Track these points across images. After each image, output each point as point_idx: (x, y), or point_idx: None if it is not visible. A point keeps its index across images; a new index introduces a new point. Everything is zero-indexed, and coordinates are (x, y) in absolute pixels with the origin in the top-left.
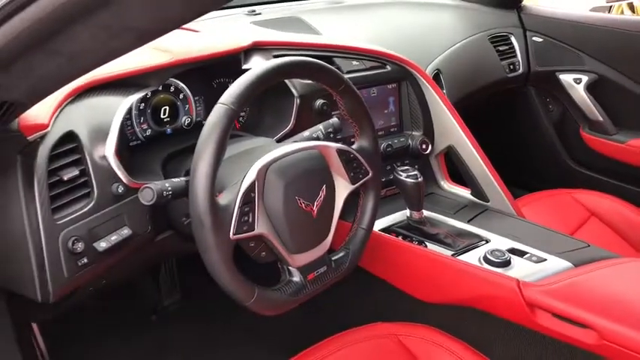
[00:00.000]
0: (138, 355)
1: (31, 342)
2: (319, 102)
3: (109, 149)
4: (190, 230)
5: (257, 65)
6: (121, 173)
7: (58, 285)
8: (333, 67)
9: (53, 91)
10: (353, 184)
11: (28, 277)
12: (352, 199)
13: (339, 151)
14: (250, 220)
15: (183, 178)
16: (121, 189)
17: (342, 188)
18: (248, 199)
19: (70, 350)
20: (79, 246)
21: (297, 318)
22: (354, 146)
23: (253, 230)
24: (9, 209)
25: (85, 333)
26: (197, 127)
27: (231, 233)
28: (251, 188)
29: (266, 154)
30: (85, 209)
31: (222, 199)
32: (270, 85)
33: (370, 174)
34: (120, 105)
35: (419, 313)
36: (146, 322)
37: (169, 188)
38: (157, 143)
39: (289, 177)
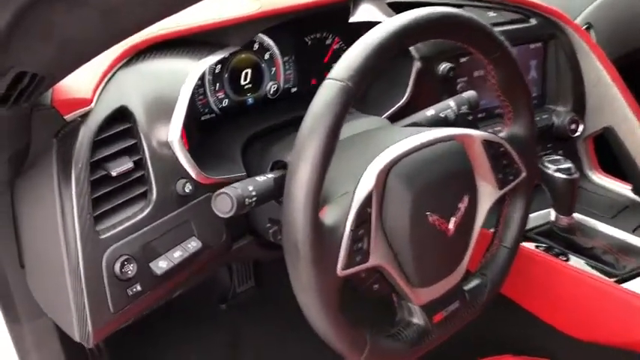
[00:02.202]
0: (207, 350)
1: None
2: (444, 66)
3: (174, 132)
4: (276, 237)
5: (384, 22)
6: (189, 166)
7: (101, 323)
8: (489, 25)
9: (88, 59)
10: (500, 188)
11: (63, 310)
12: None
13: (486, 143)
14: (364, 247)
15: (270, 175)
16: (188, 187)
17: (486, 195)
18: (363, 218)
19: (131, 342)
20: (131, 269)
21: None
22: (503, 134)
23: (367, 261)
24: (41, 215)
25: (148, 322)
26: (284, 96)
27: (339, 267)
28: (367, 202)
29: (385, 148)
30: (140, 216)
31: (328, 218)
32: (401, 52)
33: (523, 174)
34: (191, 71)
35: (564, 351)
36: (216, 311)
37: (253, 193)
38: (234, 119)
39: (420, 184)
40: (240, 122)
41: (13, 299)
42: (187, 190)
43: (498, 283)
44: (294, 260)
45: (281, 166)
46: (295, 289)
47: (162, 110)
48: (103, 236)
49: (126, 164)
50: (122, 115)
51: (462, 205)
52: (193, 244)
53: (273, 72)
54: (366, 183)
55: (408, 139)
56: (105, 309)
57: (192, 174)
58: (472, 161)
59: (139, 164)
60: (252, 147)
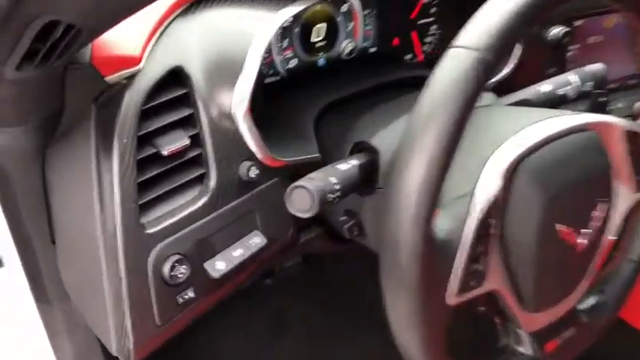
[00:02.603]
0: (251, 329)
1: None
2: (557, 30)
3: (239, 102)
4: (352, 234)
5: None
6: (256, 144)
7: (144, 338)
8: None
9: (136, 9)
10: (638, 191)
11: (99, 316)
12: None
13: (629, 135)
14: (481, 267)
15: (354, 162)
16: (254, 171)
17: (622, 200)
18: (484, 231)
19: None
20: (182, 271)
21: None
22: None
23: (481, 285)
24: (75, 198)
25: None
26: (361, 57)
27: (450, 295)
28: (491, 209)
29: (509, 136)
30: (195, 206)
31: (440, 229)
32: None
33: None
34: (265, 24)
35: None
36: (260, 287)
37: (337, 187)
38: (302, 84)
39: (553, 187)
40: (311, 89)
41: (42, 277)
42: (253, 175)
43: (620, 302)
44: (394, 285)
45: (363, 148)
46: (392, 318)
47: (226, 73)
48: (149, 230)
49: (181, 140)
50: (177, 78)
51: (597, 214)
52: (257, 240)
53: (350, 28)
54: (490, 184)
55: (539, 126)
56: (149, 321)
57: (259, 154)
58: (609, 157)
59: (195, 141)
60: (326, 121)
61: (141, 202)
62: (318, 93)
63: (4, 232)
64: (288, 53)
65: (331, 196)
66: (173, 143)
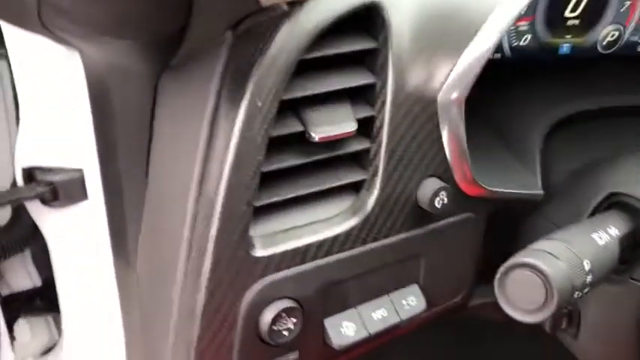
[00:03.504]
0: None
1: None
2: None
3: (456, 84)
4: (554, 325)
5: None
6: (457, 155)
7: None
8: None
9: None
10: None
11: (162, 352)
12: None
13: None
14: None
15: (614, 232)
16: (441, 198)
17: None
18: None
19: None
20: (291, 327)
21: None
22: None
23: None
24: (174, 163)
25: None
26: (624, 55)
27: None
28: None
29: None
30: (339, 229)
31: None
32: None
33: None
34: None
35: None
36: None
37: (589, 279)
38: (530, 78)
39: None
40: (545, 88)
41: (126, 231)
42: (437, 203)
43: None
44: None
45: (624, 205)
46: None
47: (446, 35)
48: (258, 252)
49: (345, 122)
50: (366, 22)
51: None
52: (412, 302)
53: (624, 8)
54: None
55: None
56: None
57: (457, 173)
58: None
59: (365, 128)
60: (558, 141)
61: (257, 205)
62: (555, 97)
63: (94, 159)
64: (523, 25)
65: (578, 293)
66: (331, 124)
